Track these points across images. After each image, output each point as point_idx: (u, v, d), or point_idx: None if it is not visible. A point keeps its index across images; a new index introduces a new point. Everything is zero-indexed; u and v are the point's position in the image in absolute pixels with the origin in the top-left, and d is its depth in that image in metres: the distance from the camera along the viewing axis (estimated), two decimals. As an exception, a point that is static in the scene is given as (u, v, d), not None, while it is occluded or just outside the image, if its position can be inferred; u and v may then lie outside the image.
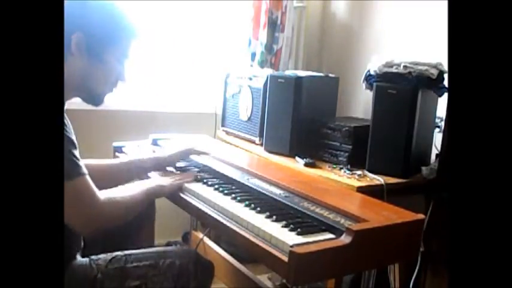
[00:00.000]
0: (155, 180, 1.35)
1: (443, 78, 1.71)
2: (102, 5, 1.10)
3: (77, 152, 1.05)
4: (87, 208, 1.06)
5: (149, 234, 1.51)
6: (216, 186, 1.35)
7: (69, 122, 1.06)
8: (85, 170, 1.07)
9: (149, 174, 1.43)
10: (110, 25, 1.10)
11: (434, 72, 1.66)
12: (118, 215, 1.15)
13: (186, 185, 1.36)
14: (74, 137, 1.06)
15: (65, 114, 1.06)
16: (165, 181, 1.33)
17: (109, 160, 1.46)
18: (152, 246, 1.45)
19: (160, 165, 1.47)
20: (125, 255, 1.16)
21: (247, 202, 1.22)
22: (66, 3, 1.01)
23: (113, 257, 1.14)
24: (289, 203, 1.21)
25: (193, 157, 1.58)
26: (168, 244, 2.25)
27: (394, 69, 1.69)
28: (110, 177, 1.41)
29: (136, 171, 1.45)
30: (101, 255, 1.15)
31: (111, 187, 1.45)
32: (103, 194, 1.11)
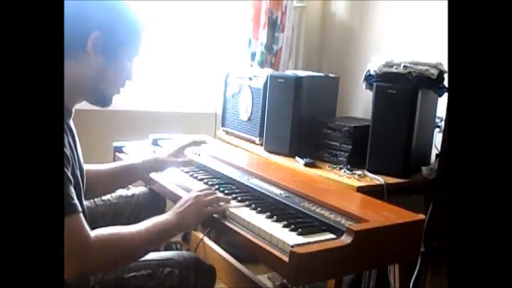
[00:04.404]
0: (176, 212, 1.15)
1: (443, 78, 1.72)
2: (117, 4, 1.08)
3: (71, 188, 0.97)
4: (73, 249, 0.92)
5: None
6: (216, 186, 1.35)
7: (69, 150, 1.01)
8: (78, 208, 0.96)
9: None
10: (125, 24, 1.08)
11: (434, 72, 1.66)
12: (112, 259, 1.02)
13: (186, 184, 1.36)
14: (70, 169, 0.99)
15: (66, 137, 1.03)
16: (191, 210, 1.14)
17: (107, 165, 1.45)
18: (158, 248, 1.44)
19: (161, 166, 1.46)
20: None
21: (247, 202, 1.22)
22: (82, 3, 1.00)
23: None
24: (289, 203, 1.21)
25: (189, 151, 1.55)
26: (168, 245, 2.25)
27: (394, 69, 1.69)
28: (108, 182, 1.41)
29: (136, 174, 1.45)
30: None
31: (110, 192, 1.46)
32: (97, 235, 0.99)
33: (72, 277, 0.92)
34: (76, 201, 0.96)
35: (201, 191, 1.21)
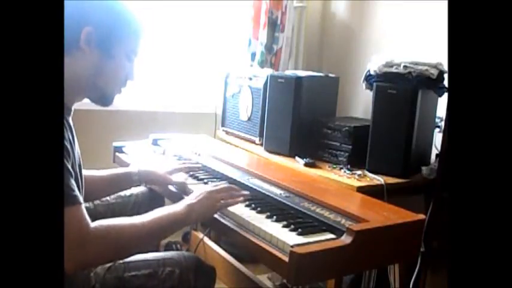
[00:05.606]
0: (187, 203, 1.13)
1: (443, 78, 1.72)
2: (110, 2, 1.08)
3: (72, 180, 0.97)
4: (74, 240, 0.92)
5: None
6: (216, 186, 1.34)
7: (69, 145, 1.01)
8: (79, 199, 0.97)
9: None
10: (118, 20, 1.08)
11: (434, 72, 1.66)
12: (113, 250, 1.01)
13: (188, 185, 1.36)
14: (70, 163, 0.99)
15: (66, 132, 1.02)
16: (202, 204, 1.14)
17: (103, 171, 1.44)
18: (158, 248, 1.43)
19: (156, 180, 1.45)
20: (124, 263, 1.13)
21: (247, 202, 1.22)
22: (75, 1, 1.00)
23: (112, 265, 1.11)
24: (289, 203, 1.21)
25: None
26: (168, 245, 2.25)
27: (394, 69, 1.69)
28: (103, 188, 1.41)
29: (131, 182, 1.45)
30: None
31: (105, 196, 1.45)
32: (97, 226, 0.98)
33: (72, 269, 0.92)
34: (77, 192, 0.97)
35: (216, 185, 1.21)
